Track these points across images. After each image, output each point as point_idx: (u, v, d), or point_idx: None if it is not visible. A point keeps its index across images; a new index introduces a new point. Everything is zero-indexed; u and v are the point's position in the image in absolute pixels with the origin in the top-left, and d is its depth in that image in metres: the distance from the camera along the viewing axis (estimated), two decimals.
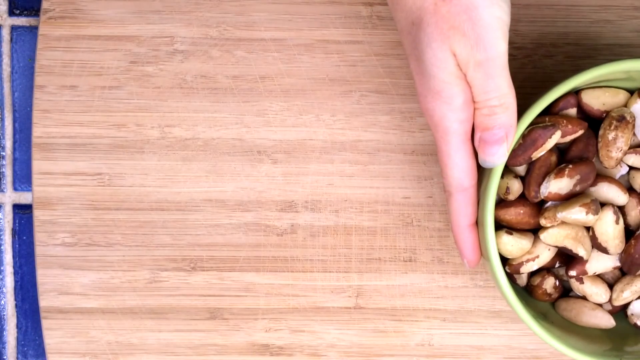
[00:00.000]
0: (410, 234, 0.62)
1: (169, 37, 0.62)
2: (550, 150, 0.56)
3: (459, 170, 0.54)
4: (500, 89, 0.52)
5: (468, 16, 0.50)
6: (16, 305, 0.65)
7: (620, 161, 0.56)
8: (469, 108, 0.53)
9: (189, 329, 0.62)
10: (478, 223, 0.56)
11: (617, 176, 0.57)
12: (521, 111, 0.54)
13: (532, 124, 0.55)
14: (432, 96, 0.53)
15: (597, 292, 0.58)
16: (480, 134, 0.53)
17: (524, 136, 0.54)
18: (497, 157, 0.53)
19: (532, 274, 0.59)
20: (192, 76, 0.62)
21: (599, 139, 0.56)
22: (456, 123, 0.53)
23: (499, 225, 0.56)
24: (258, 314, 0.62)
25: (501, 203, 0.56)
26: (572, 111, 0.57)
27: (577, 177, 0.55)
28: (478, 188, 0.56)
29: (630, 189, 0.57)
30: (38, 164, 0.62)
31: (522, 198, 0.56)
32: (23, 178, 0.64)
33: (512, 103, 0.52)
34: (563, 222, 0.55)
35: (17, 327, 0.65)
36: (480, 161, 0.54)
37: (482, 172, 0.56)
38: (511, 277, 0.59)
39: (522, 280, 0.59)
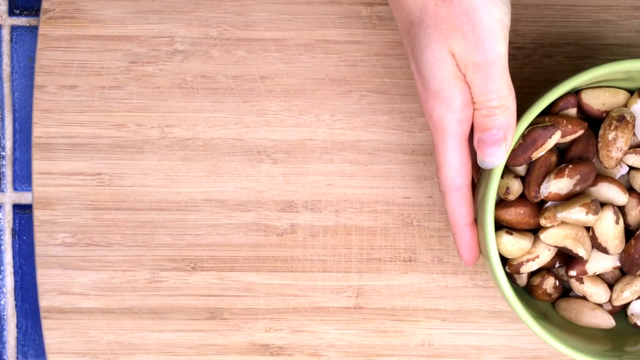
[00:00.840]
0: (410, 234, 0.62)
1: (169, 37, 0.62)
2: (550, 150, 0.56)
3: (453, 169, 0.54)
4: (499, 91, 0.52)
5: (468, 18, 0.50)
6: (16, 305, 0.65)
7: (620, 161, 0.56)
8: (467, 109, 0.53)
9: (189, 329, 0.62)
10: (478, 223, 0.56)
11: (617, 176, 0.57)
12: (521, 111, 0.54)
13: (532, 124, 0.55)
14: (431, 96, 0.53)
15: (597, 292, 0.58)
16: (479, 134, 0.53)
17: (524, 136, 0.54)
18: (496, 158, 0.53)
19: (532, 274, 0.59)
20: (192, 76, 0.62)
21: (599, 139, 0.56)
22: (454, 123, 0.53)
23: (499, 225, 0.56)
24: (258, 314, 0.62)
25: (501, 203, 0.56)
26: (572, 111, 0.57)
27: (577, 177, 0.55)
28: (477, 188, 0.56)
29: (630, 189, 0.57)
30: (38, 164, 0.62)
31: (522, 198, 0.56)
32: (23, 178, 0.64)
33: (511, 104, 0.52)
34: (563, 222, 0.55)
35: (17, 327, 0.65)
36: (479, 162, 0.54)
37: (482, 172, 0.56)
38: (511, 277, 0.59)
39: (522, 280, 0.59)
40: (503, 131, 0.53)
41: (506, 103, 0.52)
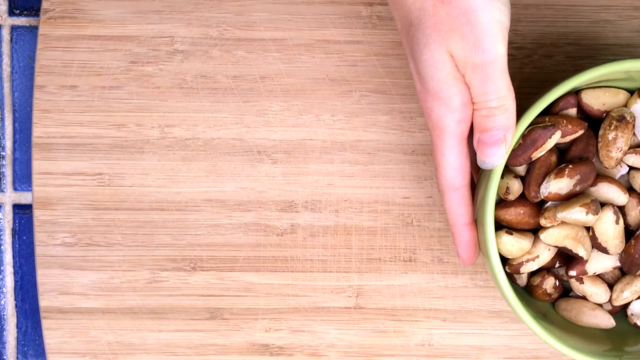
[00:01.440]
0: (410, 234, 0.62)
1: (169, 37, 0.62)
2: (550, 150, 0.56)
3: (452, 169, 0.54)
4: (499, 91, 0.52)
5: (467, 19, 0.50)
6: (16, 305, 0.65)
7: (620, 161, 0.56)
8: (466, 109, 0.53)
9: (189, 329, 0.62)
10: (478, 223, 0.56)
11: (617, 176, 0.57)
12: (521, 111, 0.54)
13: (532, 124, 0.55)
14: (430, 96, 0.53)
15: (597, 292, 0.58)
16: (479, 135, 0.53)
17: (524, 136, 0.54)
18: (495, 159, 0.53)
19: (532, 274, 0.59)
20: (192, 76, 0.62)
21: (599, 139, 0.56)
22: (453, 123, 0.53)
23: (499, 225, 0.56)
24: (258, 314, 0.62)
25: (501, 203, 0.56)
26: (572, 111, 0.57)
27: (577, 177, 0.55)
28: (477, 188, 0.56)
29: (630, 189, 0.57)
30: (38, 164, 0.62)
31: (522, 198, 0.56)
32: (23, 178, 0.64)
33: (511, 105, 0.52)
34: (563, 222, 0.55)
35: (17, 327, 0.65)
36: (478, 162, 0.54)
37: (482, 172, 0.56)
38: (511, 277, 0.59)
39: (522, 280, 0.59)
40: (503, 132, 0.53)
41: (506, 104, 0.52)
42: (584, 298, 0.58)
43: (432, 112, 0.53)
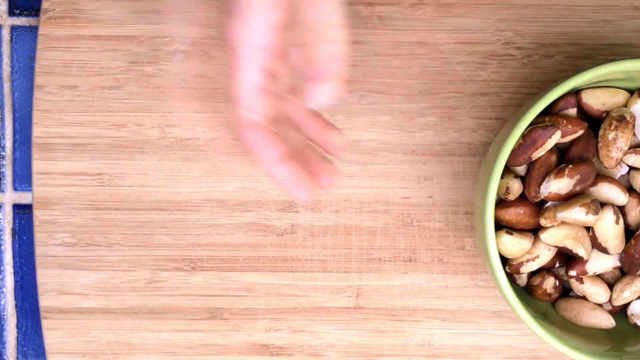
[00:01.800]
0: (410, 234, 0.62)
1: (169, 37, 0.62)
2: (550, 150, 0.56)
3: (251, 103, 0.46)
4: (326, 14, 0.44)
5: None
6: (16, 305, 0.65)
7: (620, 161, 0.56)
8: (273, 34, 0.45)
9: (189, 329, 0.62)
10: (478, 223, 0.56)
11: (617, 176, 0.57)
12: (521, 111, 0.54)
13: (532, 124, 0.55)
14: (232, 15, 0.44)
15: (597, 292, 0.58)
16: (303, 68, 0.45)
17: (524, 136, 0.54)
18: (324, 97, 0.46)
19: (532, 274, 0.59)
20: (192, 76, 0.62)
21: (599, 139, 0.56)
22: (255, 49, 0.45)
23: (499, 225, 0.56)
24: (258, 314, 0.62)
25: (501, 203, 0.56)
26: (572, 111, 0.57)
27: (577, 177, 0.55)
28: (477, 188, 0.56)
29: (630, 189, 0.57)
30: (38, 164, 0.62)
31: (522, 198, 0.56)
32: (23, 178, 0.64)
33: (340, 33, 0.45)
34: (563, 222, 0.55)
35: (17, 327, 0.65)
36: (306, 102, 0.46)
37: (481, 172, 0.56)
38: (511, 277, 0.59)
39: (522, 280, 0.59)
40: (331, 64, 0.45)
41: (334, 31, 0.45)
42: (584, 298, 0.58)
43: (232, 36, 0.44)
